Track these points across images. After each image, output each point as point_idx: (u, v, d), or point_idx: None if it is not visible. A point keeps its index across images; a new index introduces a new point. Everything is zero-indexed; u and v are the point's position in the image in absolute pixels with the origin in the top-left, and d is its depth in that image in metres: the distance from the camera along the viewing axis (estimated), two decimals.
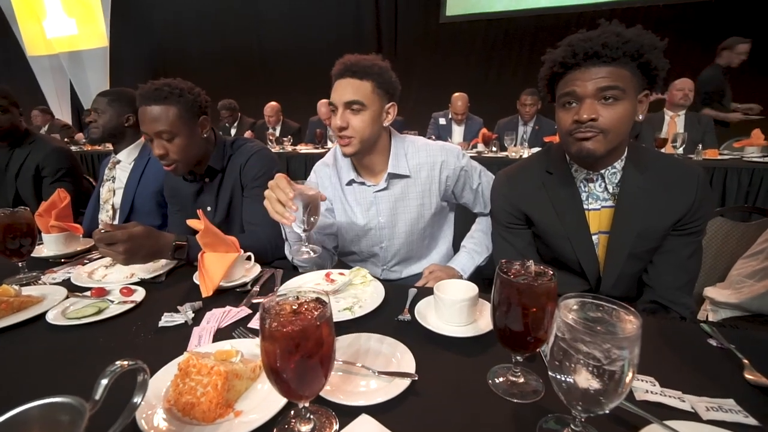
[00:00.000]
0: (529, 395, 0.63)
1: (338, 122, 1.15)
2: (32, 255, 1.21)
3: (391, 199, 1.30)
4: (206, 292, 0.99)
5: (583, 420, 0.53)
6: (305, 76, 5.80)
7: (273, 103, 5.20)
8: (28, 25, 7.65)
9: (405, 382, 0.64)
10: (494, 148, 3.92)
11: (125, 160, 1.80)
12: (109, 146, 2.21)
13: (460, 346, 0.77)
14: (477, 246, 1.37)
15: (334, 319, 0.55)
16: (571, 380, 0.47)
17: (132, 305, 0.95)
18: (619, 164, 1.02)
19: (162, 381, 0.64)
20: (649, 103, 1.01)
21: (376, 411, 0.59)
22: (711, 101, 3.91)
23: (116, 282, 1.09)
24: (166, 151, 1.32)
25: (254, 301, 0.98)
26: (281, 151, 4.24)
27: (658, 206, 1.00)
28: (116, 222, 1.77)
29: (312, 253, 0.99)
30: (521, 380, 0.66)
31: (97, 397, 0.46)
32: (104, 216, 1.80)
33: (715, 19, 4.68)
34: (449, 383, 0.66)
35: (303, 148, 4.46)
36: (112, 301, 0.96)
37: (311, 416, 0.57)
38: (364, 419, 0.57)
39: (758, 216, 1.47)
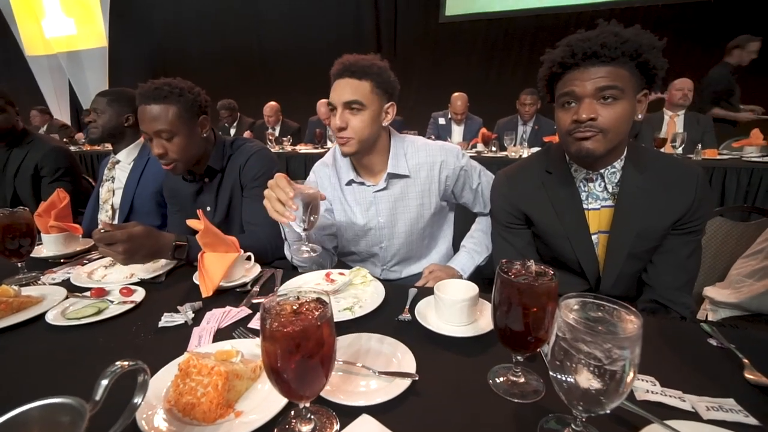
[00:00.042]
0: (529, 395, 0.63)
1: (337, 122, 1.15)
2: (31, 255, 1.20)
3: (391, 199, 1.30)
4: (206, 292, 0.99)
5: (583, 420, 0.53)
6: (305, 76, 5.79)
7: (272, 103, 5.19)
8: (26, 24, 7.64)
9: (405, 382, 0.64)
10: (494, 148, 3.93)
11: (125, 160, 1.80)
12: (109, 146, 2.21)
13: (461, 346, 0.77)
14: (477, 246, 1.37)
15: (335, 319, 0.55)
16: (572, 380, 0.47)
17: (132, 305, 0.94)
18: (618, 164, 1.03)
19: (162, 381, 0.64)
20: (649, 102, 1.01)
21: (376, 411, 0.59)
22: (719, 100, 3.88)
23: (116, 282, 1.09)
24: (166, 150, 1.32)
25: (254, 301, 0.98)
26: (281, 151, 4.24)
27: (658, 206, 1.00)
28: (116, 222, 1.77)
29: (312, 252, 0.99)
30: (522, 380, 0.66)
31: (98, 397, 0.46)
32: (103, 216, 1.80)
33: (714, 19, 4.69)
34: (450, 383, 0.66)
35: (302, 148, 4.46)
36: (111, 302, 0.96)
37: (312, 416, 0.57)
38: (365, 419, 0.57)
39: (757, 216, 1.47)
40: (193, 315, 0.90)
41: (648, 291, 1.07)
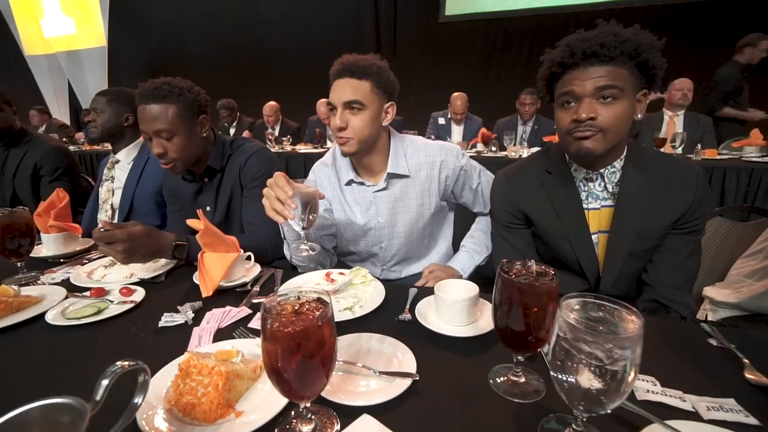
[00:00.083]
0: (530, 395, 0.63)
1: (337, 122, 1.15)
2: (31, 255, 1.20)
3: (391, 198, 1.30)
4: (206, 292, 0.99)
5: (584, 420, 0.53)
6: (304, 76, 5.79)
7: (272, 102, 5.19)
8: (25, 24, 7.63)
9: (406, 382, 0.64)
10: (493, 148, 3.93)
11: (124, 159, 1.80)
12: (108, 146, 2.20)
13: (461, 346, 0.77)
14: (477, 245, 1.37)
15: (335, 319, 0.55)
16: (573, 380, 0.47)
17: (132, 305, 0.94)
18: (618, 163, 1.03)
19: (162, 381, 0.64)
20: (649, 103, 1.01)
21: (377, 411, 0.59)
22: (729, 99, 3.85)
23: (116, 282, 1.09)
24: (165, 149, 1.32)
25: (254, 301, 0.98)
26: (280, 150, 4.24)
27: (658, 205, 1.00)
28: (115, 222, 1.77)
29: (311, 251, 0.99)
30: (522, 380, 0.66)
31: (98, 397, 0.46)
32: (103, 216, 1.80)
33: (713, 19, 4.70)
34: (450, 383, 0.66)
35: (302, 148, 4.46)
36: (111, 301, 0.96)
37: (312, 416, 0.57)
38: (366, 419, 0.57)
39: (757, 216, 1.47)
40: (193, 315, 0.90)
41: (648, 291, 1.07)
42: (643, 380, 0.64)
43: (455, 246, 1.46)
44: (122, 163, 1.80)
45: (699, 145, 3.20)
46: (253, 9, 6.86)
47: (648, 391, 0.62)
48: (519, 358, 0.66)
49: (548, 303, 0.59)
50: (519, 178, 1.17)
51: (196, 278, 1.06)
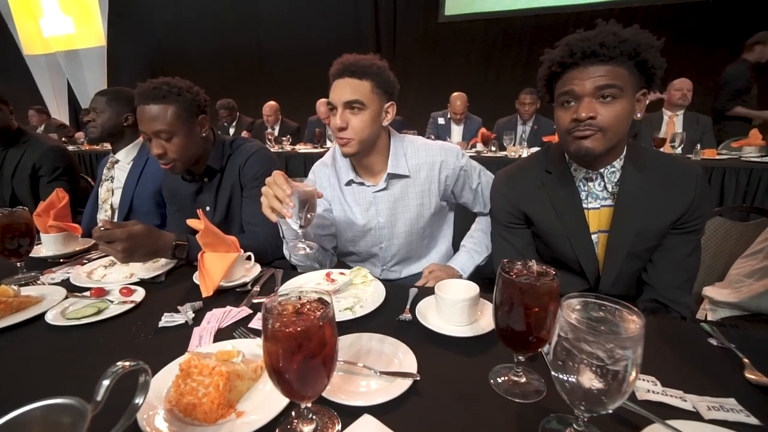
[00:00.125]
0: (531, 395, 0.63)
1: (338, 122, 1.15)
2: (31, 255, 1.20)
3: (391, 199, 1.30)
4: (206, 292, 0.98)
5: (585, 420, 0.53)
6: (304, 76, 5.78)
7: (272, 102, 5.19)
8: (24, 23, 7.62)
9: (407, 382, 0.64)
10: (493, 148, 3.93)
11: (124, 159, 1.80)
12: (108, 146, 2.20)
13: (462, 346, 0.77)
14: (477, 245, 1.37)
15: (335, 319, 0.55)
16: (575, 380, 0.47)
17: (132, 305, 0.94)
18: (618, 163, 1.03)
19: (163, 382, 0.64)
20: (649, 103, 1.01)
21: (378, 411, 0.59)
22: (739, 98, 3.82)
23: (116, 282, 1.09)
24: (165, 150, 1.31)
25: (255, 301, 0.98)
26: (280, 150, 4.24)
27: (657, 205, 1.01)
28: (115, 222, 1.77)
29: (308, 249, 0.99)
30: (523, 380, 0.66)
31: (99, 398, 0.46)
32: (102, 216, 1.80)
33: (713, 19, 4.70)
34: (451, 383, 0.66)
35: (302, 148, 4.46)
36: (111, 302, 0.96)
37: (313, 416, 0.57)
38: (366, 419, 0.57)
39: (756, 216, 1.47)
40: (193, 315, 0.90)
41: (648, 290, 1.07)
42: (643, 380, 0.64)
43: (455, 246, 1.46)
44: (122, 163, 1.80)
45: (698, 145, 3.21)
46: (253, 9, 6.85)
47: (649, 391, 0.62)
48: (520, 358, 0.66)
49: (549, 303, 0.59)
50: (519, 178, 1.17)
51: (197, 278, 1.06)
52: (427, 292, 0.98)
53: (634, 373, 0.45)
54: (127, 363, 0.49)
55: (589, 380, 0.46)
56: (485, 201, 1.37)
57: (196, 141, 1.38)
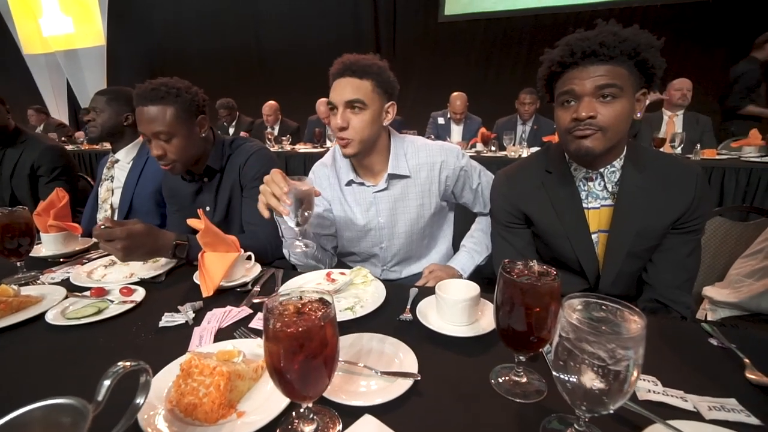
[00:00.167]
0: (531, 395, 0.63)
1: (338, 122, 1.15)
2: (31, 255, 1.20)
3: (391, 199, 1.30)
4: (207, 291, 0.98)
5: (586, 420, 0.53)
6: (304, 76, 5.78)
7: (271, 102, 5.19)
8: (24, 23, 7.62)
9: (407, 382, 0.64)
10: (493, 148, 3.93)
11: (124, 159, 1.79)
12: (107, 145, 2.19)
13: (462, 346, 0.76)
14: (477, 245, 1.37)
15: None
16: (576, 380, 0.47)
17: (132, 305, 0.94)
18: (618, 163, 1.03)
19: (163, 381, 0.64)
20: (649, 103, 1.01)
21: (378, 411, 0.58)
22: (750, 96, 3.80)
23: (116, 282, 1.09)
24: (164, 151, 1.31)
25: (255, 300, 0.97)
26: (280, 150, 4.24)
27: (657, 205, 1.01)
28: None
29: (305, 247, 0.99)
30: (524, 380, 0.66)
31: (100, 398, 0.46)
32: (102, 216, 1.79)
33: (712, 19, 4.70)
34: (451, 383, 0.66)
35: (301, 147, 4.46)
36: (111, 301, 0.95)
37: (314, 417, 0.57)
38: (367, 419, 0.57)
39: (756, 215, 1.48)
40: (193, 315, 0.90)
41: (648, 290, 1.07)
42: (644, 380, 0.64)
43: (455, 246, 1.46)
44: (122, 163, 1.80)
45: (698, 145, 3.21)
46: (252, 9, 6.85)
47: (649, 391, 0.62)
48: (521, 358, 0.66)
49: (550, 303, 0.59)
50: (519, 178, 1.17)
51: (197, 278, 1.06)
52: (427, 292, 0.98)
53: (635, 373, 0.45)
54: (128, 363, 0.49)
55: (591, 380, 0.46)
56: (485, 201, 1.37)
57: (195, 141, 1.38)
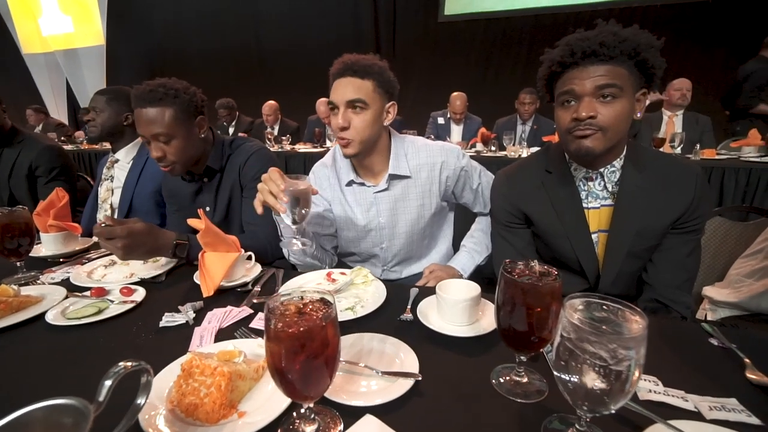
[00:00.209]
0: (532, 395, 0.63)
1: (340, 121, 1.14)
2: (30, 254, 1.20)
3: (391, 199, 1.30)
4: (207, 291, 0.98)
5: (588, 420, 0.53)
6: (304, 76, 5.78)
7: (271, 102, 5.18)
8: (23, 22, 7.61)
9: (408, 382, 0.64)
10: (493, 148, 3.93)
11: (123, 159, 1.79)
12: (107, 145, 2.18)
13: (463, 346, 0.76)
14: (477, 245, 1.38)
15: None
16: (577, 380, 0.47)
17: (132, 305, 0.94)
18: (618, 163, 1.03)
19: (164, 382, 0.64)
20: (649, 104, 1.01)
21: (379, 411, 0.58)
22: (757, 96, 3.79)
23: (116, 282, 1.08)
24: (164, 153, 1.31)
25: (255, 300, 0.97)
26: (280, 150, 4.24)
27: (657, 205, 1.01)
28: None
29: (301, 245, 0.99)
30: (525, 380, 0.66)
31: (101, 398, 0.46)
32: (102, 215, 1.79)
33: (712, 19, 4.71)
34: (452, 383, 0.66)
35: (301, 147, 4.46)
36: (112, 301, 0.95)
37: (315, 417, 0.57)
38: (368, 419, 0.57)
39: (756, 215, 1.48)
40: (194, 315, 0.90)
41: (648, 290, 1.07)
42: (645, 380, 0.64)
43: (455, 246, 1.46)
44: (121, 163, 1.80)
45: (698, 145, 3.21)
46: (252, 9, 6.85)
47: (650, 391, 0.62)
48: (521, 358, 0.66)
49: (551, 303, 0.59)
50: (519, 178, 1.17)
51: (197, 278, 1.06)
52: (427, 292, 0.98)
53: (637, 373, 0.45)
54: (130, 363, 0.49)
55: (592, 380, 0.46)
56: (485, 201, 1.37)
57: (194, 142, 1.38)
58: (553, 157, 1.12)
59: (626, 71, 0.92)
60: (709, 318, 1.33)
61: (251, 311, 0.92)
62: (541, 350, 0.71)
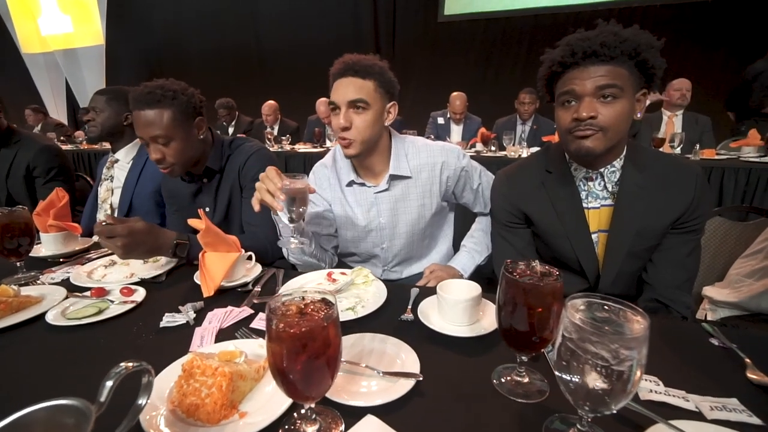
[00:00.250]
0: (534, 395, 0.63)
1: (341, 121, 1.14)
2: (30, 255, 1.19)
3: (392, 199, 1.30)
4: (207, 291, 0.98)
5: (589, 420, 0.53)
6: (303, 76, 5.78)
7: (271, 102, 5.18)
8: (22, 22, 7.60)
9: (410, 383, 0.64)
10: (493, 148, 3.93)
11: (123, 159, 1.79)
12: (107, 145, 2.18)
13: (464, 346, 0.76)
14: (477, 245, 1.38)
15: None
16: (579, 380, 0.47)
17: (132, 305, 0.94)
18: (618, 163, 1.03)
19: (165, 382, 0.64)
20: (649, 104, 1.02)
21: (381, 411, 0.58)
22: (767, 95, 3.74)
23: (116, 282, 1.08)
24: (163, 155, 1.30)
25: (256, 301, 0.97)
26: (279, 150, 4.23)
27: (657, 205, 1.01)
28: None
29: (298, 243, 0.99)
30: (526, 380, 0.66)
31: (103, 399, 0.46)
32: (102, 216, 1.79)
33: (712, 19, 4.71)
34: (453, 383, 0.66)
35: (301, 147, 4.45)
36: (112, 301, 0.95)
37: (316, 417, 0.57)
38: (370, 420, 0.57)
39: (755, 215, 1.48)
40: (194, 315, 0.90)
41: (648, 290, 1.08)
42: (646, 380, 0.64)
43: (455, 246, 1.46)
44: (121, 163, 1.79)
45: (697, 145, 3.21)
46: (252, 8, 6.84)
47: (651, 391, 0.62)
48: (522, 358, 0.66)
49: (552, 303, 0.59)
50: (519, 178, 1.17)
51: (197, 278, 1.06)
52: (428, 292, 0.98)
53: (638, 374, 0.45)
54: (131, 364, 0.49)
55: (594, 380, 0.46)
56: (486, 201, 1.37)
57: (193, 144, 1.37)
58: (553, 157, 1.12)
59: (626, 71, 0.92)
60: (709, 318, 1.33)
61: (252, 311, 0.92)
62: (542, 350, 0.71)
